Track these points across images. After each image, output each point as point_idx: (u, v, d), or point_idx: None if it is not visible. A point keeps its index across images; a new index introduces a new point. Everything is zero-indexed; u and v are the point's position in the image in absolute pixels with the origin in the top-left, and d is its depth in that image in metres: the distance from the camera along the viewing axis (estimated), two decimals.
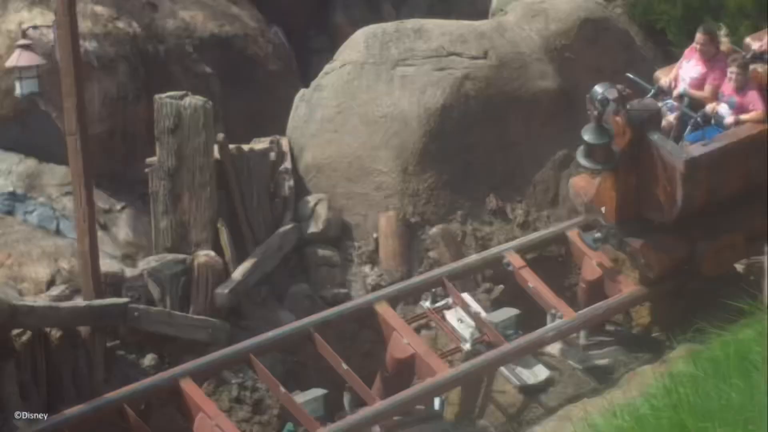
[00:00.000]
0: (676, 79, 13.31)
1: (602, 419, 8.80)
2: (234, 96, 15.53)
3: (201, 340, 12.77)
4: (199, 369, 11.81)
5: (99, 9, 14.99)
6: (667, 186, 12.33)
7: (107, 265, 12.94)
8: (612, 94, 12.17)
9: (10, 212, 14.38)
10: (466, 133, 14.45)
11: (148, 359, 12.63)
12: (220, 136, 13.59)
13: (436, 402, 12.31)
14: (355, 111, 14.52)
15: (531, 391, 12.54)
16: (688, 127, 12.76)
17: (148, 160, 13.50)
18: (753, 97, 12.80)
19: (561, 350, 13.11)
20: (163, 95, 13.40)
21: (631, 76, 13.17)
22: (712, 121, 12.76)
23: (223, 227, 13.42)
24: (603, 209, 12.77)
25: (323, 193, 14.29)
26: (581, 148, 12.36)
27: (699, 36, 13.20)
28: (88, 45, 14.47)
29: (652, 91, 13.08)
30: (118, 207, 14.46)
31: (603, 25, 15.55)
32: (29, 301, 12.10)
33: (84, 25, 14.25)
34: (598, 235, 13.01)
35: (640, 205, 12.67)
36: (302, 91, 15.13)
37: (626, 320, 13.68)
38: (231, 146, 13.69)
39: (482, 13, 16.95)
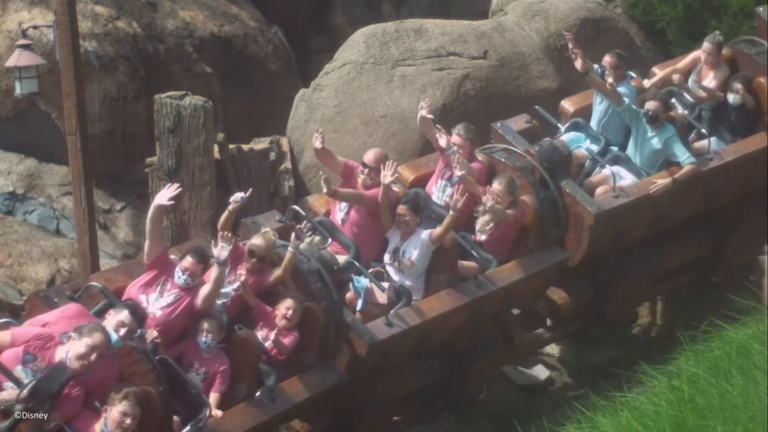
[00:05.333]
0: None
1: (603, 418, 8.79)
2: (234, 96, 15.55)
3: None
4: None
5: (99, 9, 15.01)
6: None
7: (107, 265, 12.95)
8: None
9: (10, 212, 14.39)
10: None
11: None
12: (220, 136, 13.59)
13: None
14: (355, 111, 14.51)
15: (531, 391, 12.53)
16: None
17: (148, 160, 13.51)
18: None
19: (561, 350, 13.11)
20: (163, 95, 13.41)
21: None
22: None
23: None
24: None
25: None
26: None
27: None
28: (88, 45, 14.48)
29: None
30: (118, 207, 14.47)
31: (603, 25, 15.55)
32: None
33: (84, 25, 14.27)
34: None
35: None
36: (302, 91, 15.13)
37: (626, 320, 13.64)
38: (231, 146, 13.69)
39: (482, 13, 16.99)
